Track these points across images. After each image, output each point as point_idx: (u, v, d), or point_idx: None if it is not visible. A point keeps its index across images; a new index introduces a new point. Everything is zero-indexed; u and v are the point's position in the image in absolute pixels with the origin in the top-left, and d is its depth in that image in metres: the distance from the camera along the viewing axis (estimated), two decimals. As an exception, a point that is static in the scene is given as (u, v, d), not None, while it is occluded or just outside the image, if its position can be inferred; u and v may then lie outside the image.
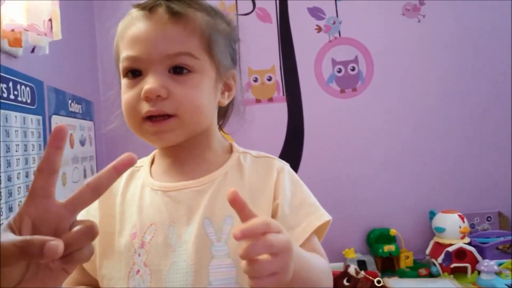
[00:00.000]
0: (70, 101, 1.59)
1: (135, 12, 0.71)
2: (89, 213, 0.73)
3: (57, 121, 1.44)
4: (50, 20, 1.22)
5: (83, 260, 0.45)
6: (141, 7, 0.70)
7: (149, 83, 0.65)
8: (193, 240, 0.66)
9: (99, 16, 2.04)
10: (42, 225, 0.44)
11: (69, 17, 1.64)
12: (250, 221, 0.49)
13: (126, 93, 0.69)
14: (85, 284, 0.75)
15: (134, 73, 0.69)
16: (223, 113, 0.84)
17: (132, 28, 0.69)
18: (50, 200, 0.45)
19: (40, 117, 1.31)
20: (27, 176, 1.20)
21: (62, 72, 1.60)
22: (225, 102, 0.77)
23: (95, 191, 0.46)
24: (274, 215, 0.71)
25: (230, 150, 0.80)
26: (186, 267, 0.65)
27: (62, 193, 1.40)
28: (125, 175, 0.76)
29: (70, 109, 1.59)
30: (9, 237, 0.42)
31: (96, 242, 0.71)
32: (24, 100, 1.22)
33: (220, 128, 0.85)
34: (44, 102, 1.35)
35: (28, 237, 0.41)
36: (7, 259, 0.41)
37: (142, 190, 0.73)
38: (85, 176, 1.64)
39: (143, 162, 0.79)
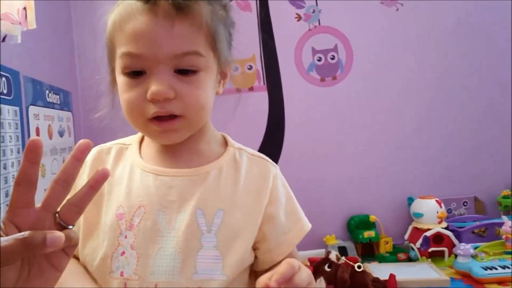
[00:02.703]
0: (47, 92, 1.56)
1: (134, 4, 0.65)
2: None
3: (35, 111, 1.42)
4: (24, 8, 1.19)
5: (77, 239, 0.48)
6: None
7: (156, 84, 0.63)
8: (184, 229, 0.66)
9: (76, 5, 2.00)
10: (27, 229, 0.45)
11: (45, 6, 1.60)
12: (279, 269, 0.56)
13: (127, 92, 0.67)
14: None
15: (136, 72, 0.66)
16: None
17: (133, 21, 0.64)
18: (30, 208, 0.46)
19: (17, 108, 1.29)
20: (5, 168, 1.18)
21: (39, 62, 1.57)
22: (221, 91, 0.76)
23: (64, 185, 0.47)
24: (266, 220, 0.74)
25: (225, 143, 0.80)
26: (173, 254, 0.65)
27: (41, 184, 1.37)
28: (112, 153, 0.75)
29: (48, 100, 1.56)
30: (7, 236, 0.43)
31: (80, 221, 0.70)
32: (0, 90, 1.20)
33: None
34: (21, 92, 1.33)
35: (27, 232, 0.42)
36: (10, 255, 0.42)
37: (131, 170, 0.72)
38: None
39: (131, 141, 0.78)
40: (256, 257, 0.76)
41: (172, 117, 0.66)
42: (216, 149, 0.77)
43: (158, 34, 0.63)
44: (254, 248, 0.75)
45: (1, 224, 0.45)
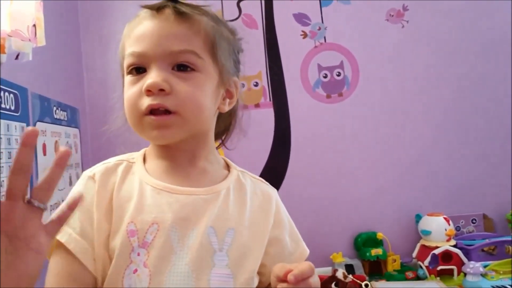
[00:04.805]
0: (55, 108, 1.57)
1: (142, 13, 0.72)
2: (87, 209, 0.68)
3: (42, 128, 1.43)
4: (34, 26, 1.21)
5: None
6: (148, 7, 0.72)
7: (151, 77, 0.66)
8: (197, 247, 0.67)
9: (84, 22, 2.03)
10: None
11: (54, 23, 1.62)
12: (300, 267, 0.62)
13: (129, 89, 0.70)
14: (78, 279, 0.67)
15: (138, 70, 0.70)
16: (225, 128, 0.86)
17: (138, 26, 0.70)
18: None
19: (24, 124, 1.30)
20: (11, 184, 1.18)
21: (47, 78, 1.59)
22: (226, 108, 0.78)
23: (21, 173, 0.50)
24: (273, 242, 0.78)
25: (227, 166, 0.83)
26: (187, 272, 0.65)
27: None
28: (119, 169, 0.75)
29: (55, 116, 1.57)
30: None
31: (94, 237, 0.68)
32: (7, 107, 1.21)
33: (223, 143, 0.87)
34: (28, 109, 1.34)
35: None
36: None
37: (141, 187, 0.71)
38: (70, 184, 1.63)
39: (135, 159, 0.77)
40: (261, 281, 0.77)
41: (167, 113, 0.67)
42: (221, 171, 0.80)
43: (158, 33, 0.68)
44: (260, 273, 0.75)
45: None
